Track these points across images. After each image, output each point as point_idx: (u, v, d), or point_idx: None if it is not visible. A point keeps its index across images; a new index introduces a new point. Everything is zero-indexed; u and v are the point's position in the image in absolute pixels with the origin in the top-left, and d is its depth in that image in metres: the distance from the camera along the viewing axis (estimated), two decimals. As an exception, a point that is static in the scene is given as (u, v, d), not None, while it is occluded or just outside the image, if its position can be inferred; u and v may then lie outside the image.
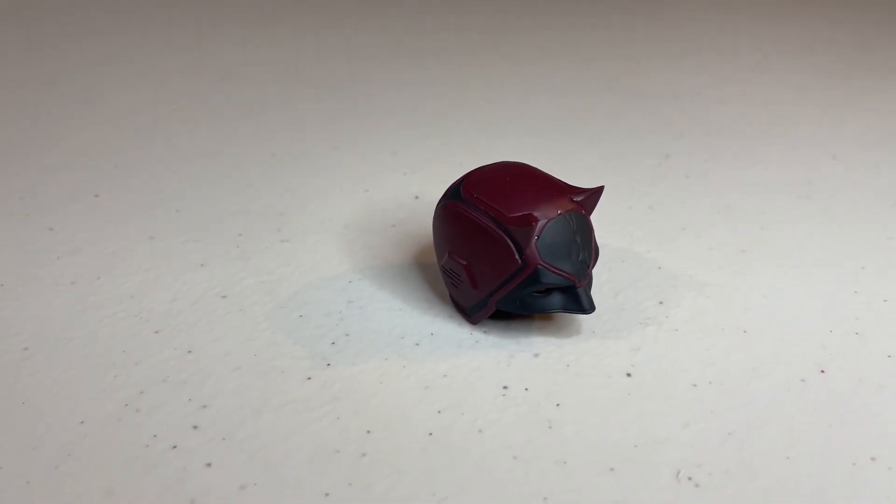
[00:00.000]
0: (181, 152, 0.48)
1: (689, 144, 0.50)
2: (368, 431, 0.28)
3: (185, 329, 0.33)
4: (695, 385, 0.30)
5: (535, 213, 0.30)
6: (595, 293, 0.35)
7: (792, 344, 0.32)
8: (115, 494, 0.25)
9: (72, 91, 0.58)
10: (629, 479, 0.26)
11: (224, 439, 0.27)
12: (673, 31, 0.74)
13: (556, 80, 0.61)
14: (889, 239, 0.40)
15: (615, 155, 0.49)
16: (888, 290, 0.36)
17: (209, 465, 0.26)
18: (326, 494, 0.25)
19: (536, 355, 0.31)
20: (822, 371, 0.31)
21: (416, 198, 0.43)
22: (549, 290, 0.31)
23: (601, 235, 0.40)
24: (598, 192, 0.32)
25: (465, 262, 0.31)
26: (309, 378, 0.30)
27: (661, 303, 0.35)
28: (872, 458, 0.27)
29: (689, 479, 0.26)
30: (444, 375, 0.30)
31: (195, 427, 0.28)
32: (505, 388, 0.30)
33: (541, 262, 0.30)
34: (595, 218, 0.41)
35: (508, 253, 0.30)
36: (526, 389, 0.30)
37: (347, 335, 0.32)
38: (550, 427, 0.28)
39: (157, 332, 0.33)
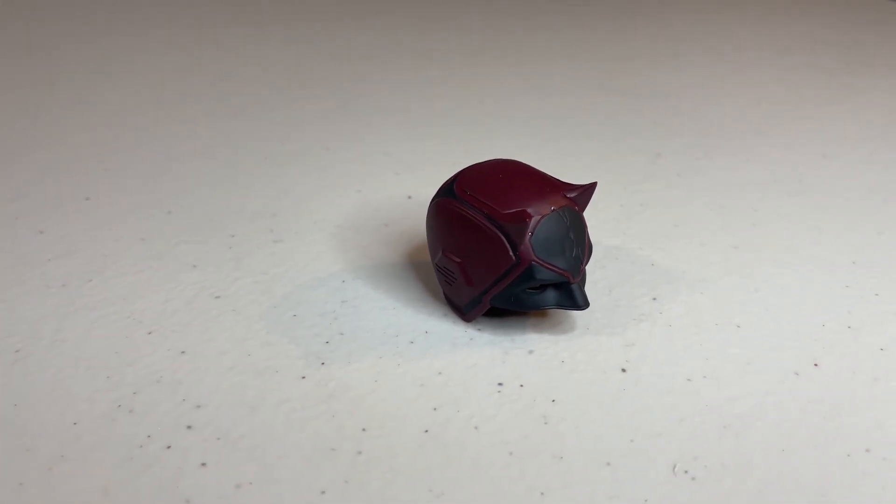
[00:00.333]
0: (173, 154, 0.48)
1: (680, 143, 0.50)
2: (364, 429, 0.28)
3: (179, 330, 0.33)
4: (689, 380, 0.30)
5: (529, 210, 0.30)
6: (589, 290, 0.35)
7: (785, 338, 0.32)
8: (110, 495, 0.25)
9: (62, 94, 0.58)
10: (626, 474, 0.26)
11: (219, 439, 0.27)
12: (664, 33, 0.74)
13: (548, 80, 0.61)
14: (879, 234, 0.40)
15: (607, 154, 0.49)
16: (879, 285, 0.36)
17: (204, 464, 0.26)
18: (322, 492, 0.25)
19: (531, 352, 0.31)
20: (816, 364, 0.31)
21: (409, 197, 0.43)
22: (543, 287, 0.31)
23: (594, 233, 0.40)
24: (591, 188, 0.32)
25: (459, 260, 0.31)
26: (303, 377, 0.30)
27: (654, 299, 0.35)
28: (867, 450, 0.27)
29: (686, 472, 0.26)
30: (439, 373, 0.30)
31: (190, 427, 0.28)
32: (500, 384, 0.30)
33: (535, 259, 0.30)
34: (588, 216, 0.41)
35: (503, 250, 0.30)
36: (521, 386, 0.30)
37: (342, 334, 0.32)
38: (546, 423, 0.28)
39: (150, 333, 0.32)
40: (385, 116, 0.54)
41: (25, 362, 0.31)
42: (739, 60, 0.66)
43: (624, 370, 0.31)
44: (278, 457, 0.27)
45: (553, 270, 0.30)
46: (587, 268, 0.37)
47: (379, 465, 0.26)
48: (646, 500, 0.25)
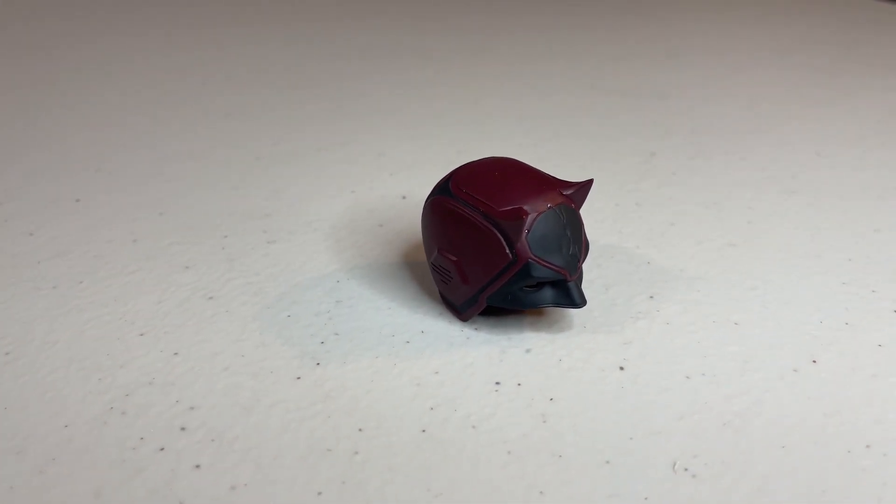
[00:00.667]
0: (163, 155, 0.48)
1: (675, 142, 0.50)
2: (361, 429, 0.27)
3: (172, 331, 0.32)
4: (688, 377, 0.30)
5: (525, 207, 0.30)
6: (586, 289, 0.35)
7: (783, 335, 0.32)
8: (103, 497, 0.25)
9: (52, 95, 0.57)
10: (626, 472, 0.26)
11: (213, 440, 0.27)
12: (659, 33, 0.74)
13: (543, 79, 0.61)
14: (875, 231, 0.40)
15: (602, 153, 0.49)
16: (876, 281, 0.36)
17: (198, 466, 0.26)
18: (319, 493, 0.25)
19: (528, 351, 0.31)
20: (814, 361, 0.31)
21: (404, 198, 0.43)
22: (540, 285, 0.31)
23: (589, 232, 0.40)
24: (587, 185, 0.31)
25: (454, 258, 0.31)
26: (299, 378, 0.30)
27: (651, 297, 0.35)
28: (867, 446, 0.27)
29: (686, 470, 0.26)
30: (436, 372, 0.30)
31: (183, 429, 0.27)
32: (497, 383, 0.30)
33: (531, 256, 0.29)
34: (583, 214, 0.41)
35: (499, 247, 0.30)
36: (519, 385, 0.29)
37: (337, 334, 0.32)
38: (545, 421, 0.28)
39: (142, 335, 0.32)
40: (380, 117, 0.54)
41: (16, 364, 0.30)
42: (734, 60, 0.66)
43: (622, 368, 0.30)
44: (274, 458, 0.26)
45: (550, 268, 0.30)
46: (584, 266, 0.37)
47: (376, 466, 0.26)
48: (646, 498, 0.25)
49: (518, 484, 0.25)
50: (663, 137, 0.51)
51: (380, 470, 0.26)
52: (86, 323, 0.33)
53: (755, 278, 0.36)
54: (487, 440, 0.27)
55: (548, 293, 0.31)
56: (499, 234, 0.30)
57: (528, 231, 0.29)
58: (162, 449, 0.26)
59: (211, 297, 0.34)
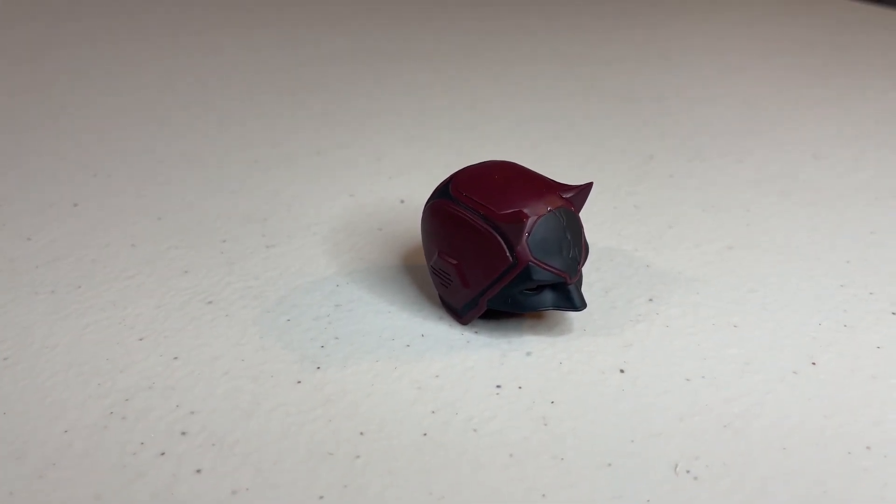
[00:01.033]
0: (161, 159, 0.48)
1: (672, 145, 0.50)
2: (362, 433, 0.27)
3: (171, 335, 0.32)
4: (688, 380, 0.30)
5: (526, 210, 0.30)
6: (585, 291, 0.35)
7: (782, 337, 0.32)
8: (103, 502, 0.25)
9: (49, 99, 0.57)
10: (627, 474, 0.26)
11: (214, 445, 0.27)
12: (655, 35, 0.75)
13: (539, 83, 0.61)
14: (872, 233, 0.40)
15: (599, 156, 0.49)
16: (874, 283, 0.36)
17: (199, 471, 0.26)
18: (321, 497, 0.25)
19: (529, 354, 0.31)
20: (814, 363, 0.31)
21: (402, 201, 0.43)
22: (540, 288, 0.31)
23: (588, 235, 0.40)
24: (587, 188, 0.31)
25: (455, 262, 0.31)
26: (299, 381, 0.30)
27: (651, 300, 0.35)
28: (868, 447, 0.27)
29: (688, 471, 0.26)
30: (437, 376, 0.30)
31: (184, 433, 0.27)
32: (498, 386, 0.30)
33: (532, 259, 0.29)
34: (582, 218, 0.41)
35: (499, 250, 0.30)
36: (519, 388, 0.29)
37: (337, 338, 0.32)
38: (546, 424, 0.28)
39: (141, 339, 0.32)
40: (378, 120, 0.54)
41: (14, 369, 0.30)
42: (730, 63, 0.67)
43: (622, 371, 0.30)
44: (275, 462, 0.26)
45: (550, 271, 0.30)
46: (584, 269, 0.37)
47: (377, 469, 0.26)
48: (647, 501, 0.25)
49: (519, 487, 0.25)
50: (661, 140, 0.51)
51: (381, 473, 0.26)
52: (85, 327, 0.33)
53: (754, 280, 0.36)
54: (488, 443, 0.27)
55: (548, 296, 0.31)
56: (499, 238, 0.30)
57: (529, 234, 0.29)
58: (162, 453, 0.26)
59: (210, 302, 0.34)
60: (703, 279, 0.36)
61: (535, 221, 0.30)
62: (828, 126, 0.54)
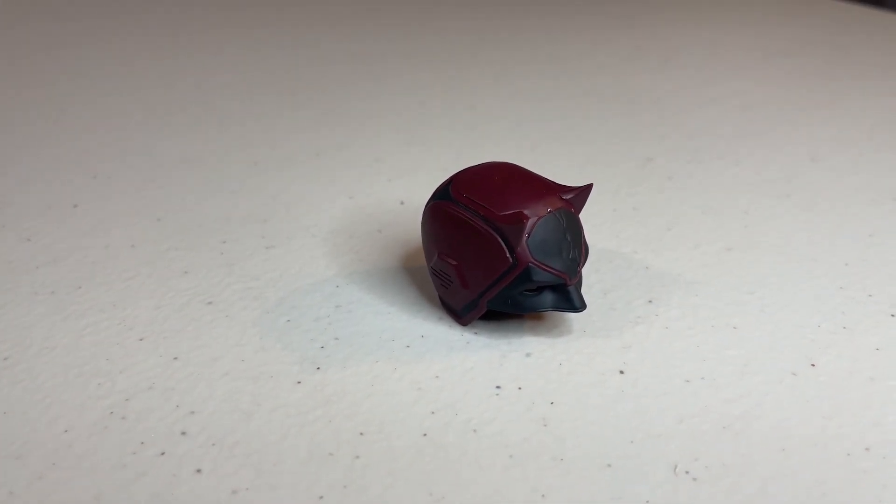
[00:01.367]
0: (160, 161, 0.48)
1: (670, 147, 0.51)
2: (362, 433, 0.27)
3: (171, 336, 0.32)
4: (688, 381, 0.30)
5: (526, 212, 0.30)
6: (585, 293, 0.35)
7: (781, 339, 0.32)
8: (103, 502, 0.25)
9: (48, 100, 0.57)
10: (627, 474, 0.26)
11: (214, 445, 0.27)
12: (653, 38, 0.75)
13: (539, 84, 0.62)
14: (870, 235, 0.40)
15: (598, 159, 0.49)
16: (873, 286, 0.36)
17: (199, 471, 0.26)
18: (321, 497, 0.25)
19: (528, 355, 0.31)
20: (813, 365, 0.31)
21: (402, 203, 0.43)
22: (540, 289, 0.31)
23: (588, 237, 0.40)
24: (586, 189, 0.32)
25: (455, 263, 0.31)
26: (299, 382, 0.30)
27: (650, 301, 0.35)
28: (867, 449, 0.27)
29: (687, 472, 0.26)
30: (437, 377, 0.30)
31: (184, 433, 0.27)
32: (498, 387, 0.30)
33: (532, 260, 0.29)
34: (581, 219, 0.41)
35: (499, 251, 0.30)
36: (519, 389, 0.30)
37: (337, 339, 0.32)
38: (545, 425, 0.28)
39: (141, 340, 0.32)
40: (377, 122, 0.54)
41: (14, 370, 0.30)
42: (728, 65, 0.67)
43: (622, 372, 0.30)
44: (275, 462, 0.26)
45: (550, 272, 0.30)
46: (583, 270, 0.37)
47: (378, 470, 0.26)
48: (647, 501, 0.25)
49: (519, 487, 0.25)
50: (660, 142, 0.51)
51: (381, 474, 0.26)
52: (84, 328, 0.33)
53: (753, 282, 0.36)
54: (488, 444, 0.27)
55: (548, 297, 0.31)
56: (499, 239, 0.30)
57: (529, 235, 0.29)
58: (162, 453, 0.26)
59: (210, 302, 0.34)
60: (702, 281, 0.36)
61: (535, 223, 0.30)
62: (826, 128, 0.54)
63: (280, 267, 0.37)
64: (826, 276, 0.37)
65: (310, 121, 0.54)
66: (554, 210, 0.30)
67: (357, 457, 0.26)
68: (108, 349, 0.31)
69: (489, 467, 0.26)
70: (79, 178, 0.45)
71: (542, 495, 0.25)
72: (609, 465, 0.26)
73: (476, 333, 0.32)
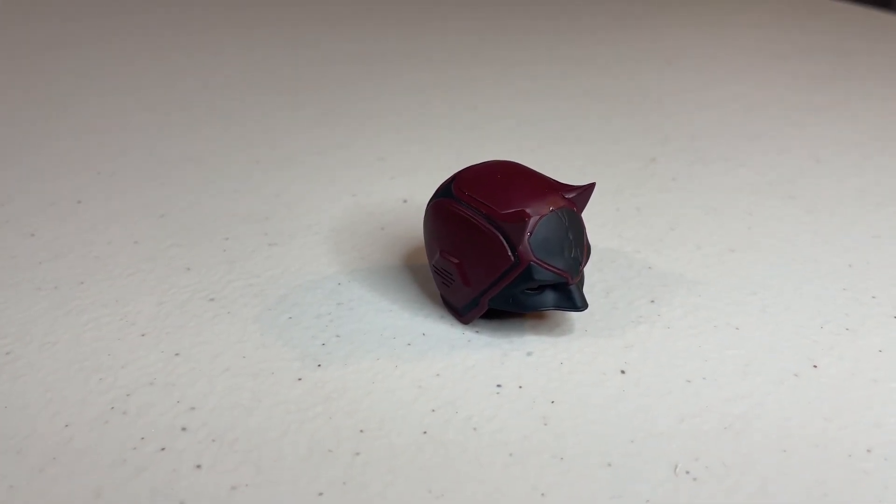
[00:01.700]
0: (164, 159, 0.48)
1: (674, 148, 0.50)
2: (362, 430, 0.27)
3: (173, 332, 0.32)
4: (689, 381, 0.30)
5: (528, 210, 0.30)
6: (587, 293, 0.35)
7: (784, 339, 0.32)
8: (103, 497, 0.25)
9: (52, 99, 0.57)
10: (627, 474, 0.26)
11: (214, 441, 0.27)
12: (657, 39, 0.75)
13: (542, 84, 0.62)
14: (874, 237, 0.40)
15: (601, 159, 0.49)
16: (876, 287, 0.36)
17: (199, 466, 0.26)
18: (320, 494, 0.25)
19: (529, 354, 0.31)
20: (815, 366, 0.31)
21: (405, 201, 0.43)
22: (541, 288, 0.31)
23: (590, 237, 0.40)
24: (589, 189, 0.32)
25: (456, 261, 0.31)
26: (300, 379, 0.30)
27: (652, 301, 0.35)
28: (868, 450, 0.27)
29: (687, 472, 0.26)
30: (437, 375, 0.30)
31: (184, 429, 0.27)
32: (499, 386, 0.30)
33: (533, 259, 0.29)
34: (584, 218, 0.41)
35: (501, 250, 0.30)
36: (520, 387, 0.29)
37: (338, 336, 0.32)
38: (546, 424, 0.28)
39: (143, 335, 0.32)
40: (380, 121, 0.54)
41: (16, 364, 0.30)
42: (732, 66, 0.67)
43: (623, 371, 0.30)
44: (275, 459, 0.26)
45: (552, 271, 0.30)
46: (585, 270, 0.37)
47: (377, 467, 0.26)
48: (647, 501, 0.25)
49: (519, 486, 0.25)
50: (663, 143, 0.51)
51: (381, 471, 0.26)
52: (86, 323, 0.33)
53: (755, 283, 0.36)
54: (489, 442, 0.27)
55: (549, 296, 0.31)
56: (501, 237, 0.30)
57: (531, 234, 0.29)
58: (163, 449, 0.26)
59: (212, 299, 0.34)
60: (704, 281, 0.36)
61: (538, 221, 0.30)
62: (831, 130, 0.54)
63: (282, 264, 0.37)
64: (829, 277, 0.37)
65: (312, 120, 0.54)
66: (556, 209, 0.30)
67: (357, 454, 0.26)
68: (109, 344, 0.31)
69: (489, 465, 0.26)
70: (82, 175, 0.45)
71: (542, 494, 0.25)
72: (609, 464, 0.26)
73: (477, 332, 0.32)
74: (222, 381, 0.29)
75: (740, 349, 0.32)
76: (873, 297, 0.35)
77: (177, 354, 0.31)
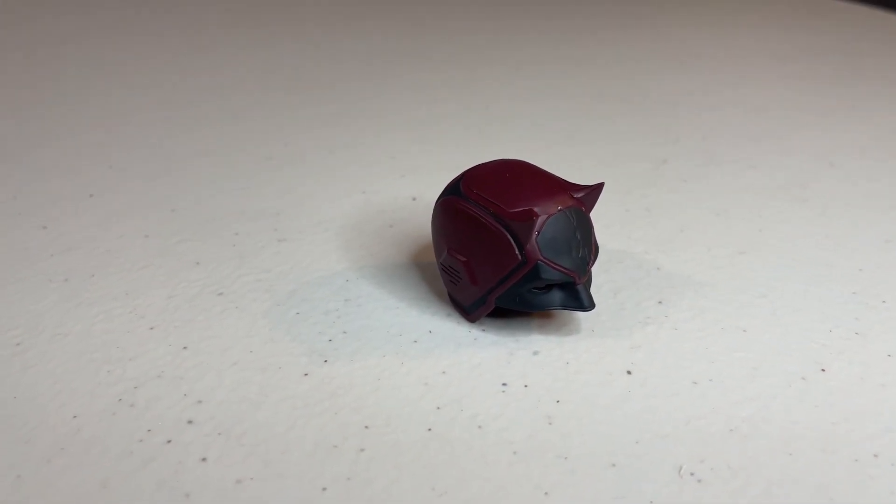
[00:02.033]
0: (177, 154, 0.48)
1: (685, 149, 0.50)
2: (367, 427, 0.27)
3: (181, 325, 0.32)
4: (695, 383, 0.30)
5: (536, 209, 0.30)
6: (595, 293, 0.35)
7: (792, 343, 0.32)
8: (109, 488, 0.25)
9: (67, 93, 0.58)
10: (631, 474, 0.26)
11: (220, 434, 0.27)
12: (670, 39, 0.74)
13: (554, 85, 0.61)
14: (887, 242, 0.40)
15: (612, 160, 0.49)
16: (887, 292, 0.36)
17: (204, 459, 0.26)
18: (324, 489, 0.25)
19: (536, 353, 0.31)
20: (823, 370, 0.31)
21: (414, 199, 0.43)
22: (548, 287, 0.31)
23: (600, 237, 0.40)
24: (598, 188, 0.31)
25: (464, 259, 0.31)
26: (306, 374, 0.30)
27: (660, 302, 0.35)
28: (875, 455, 0.27)
29: (692, 474, 0.26)
30: (443, 372, 0.30)
31: (190, 422, 0.27)
32: (504, 384, 0.30)
33: (541, 258, 0.29)
34: (593, 219, 0.41)
35: (508, 248, 0.30)
36: (526, 386, 0.29)
37: (345, 333, 0.32)
38: (551, 423, 0.28)
39: (152, 329, 0.32)
40: (391, 120, 0.54)
41: (26, 355, 0.30)
42: (746, 68, 0.66)
43: (629, 372, 0.30)
44: (280, 453, 0.26)
45: (559, 270, 0.30)
46: (593, 270, 0.37)
47: (382, 463, 0.26)
48: (651, 502, 0.25)
49: (523, 484, 0.25)
50: (674, 144, 0.51)
51: (385, 468, 0.26)
52: (96, 316, 0.33)
53: (764, 286, 0.36)
54: (493, 440, 0.27)
55: (556, 295, 0.31)
56: (508, 236, 0.30)
57: (538, 233, 0.29)
58: (169, 441, 0.27)
59: (221, 294, 0.34)
60: (713, 283, 0.36)
61: (545, 220, 0.30)
62: (843, 132, 0.53)
63: (291, 260, 0.37)
64: (839, 281, 0.36)
65: (325, 118, 0.54)
66: (564, 208, 0.30)
67: (362, 450, 0.26)
68: (118, 337, 0.32)
69: (493, 463, 0.26)
70: (95, 169, 0.46)
71: (546, 493, 0.25)
72: (614, 465, 0.26)
73: (484, 330, 0.32)
74: (230, 375, 0.30)
75: (748, 352, 0.32)
76: (883, 302, 0.35)
77: (185, 348, 0.31)
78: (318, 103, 0.57)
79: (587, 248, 0.31)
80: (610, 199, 0.44)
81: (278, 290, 0.35)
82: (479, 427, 0.28)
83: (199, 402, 0.28)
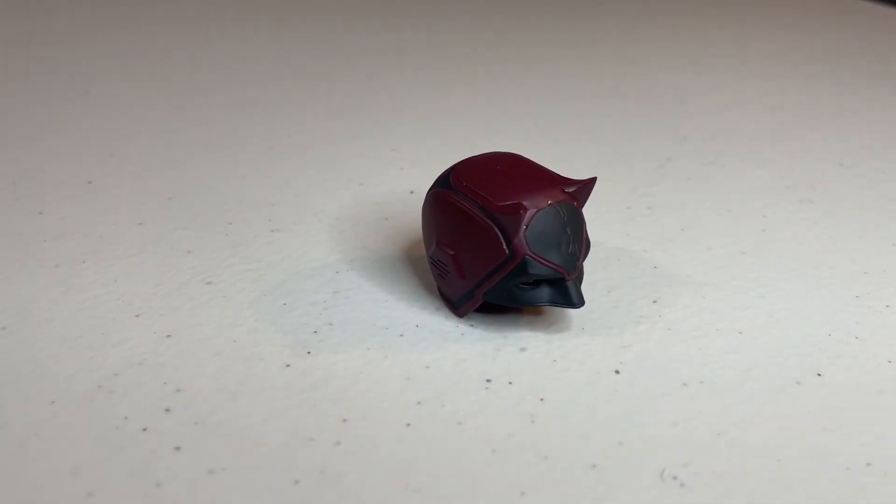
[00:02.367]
0: (177, 143, 0.48)
1: (692, 148, 0.49)
2: (345, 420, 0.27)
3: (167, 313, 0.32)
4: (685, 384, 0.29)
5: (525, 203, 0.29)
6: (588, 290, 0.34)
7: (789, 346, 0.31)
8: (80, 474, 0.25)
9: (70, 82, 0.58)
10: (612, 476, 0.25)
11: (196, 423, 0.27)
12: (678, 38, 0.73)
13: (559, 82, 0.61)
14: (894, 245, 0.39)
15: (616, 157, 0.48)
16: (891, 296, 0.35)
17: (178, 448, 0.26)
18: (297, 482, 0.25)
19: (523, 349, 0.31)
20: (819, 374, 0.30)
21: (412, 192, 0.43)
22: (537, 283, 0.30)
23: (598, 235, 0.39)
24: (590, 183, 0.31)
25: (452, 252, 0.31)
26: (288, 365, 0.29)
27: (655, 301, 0.34)
28: (868, 464, 0.26)
29: (675, 478, 0.25)
30: (427, 367, 0.30)
31: (168, 410, 0.27)
32: (488, 381, 0.29)
33: (529, 253, 0.29)
34: (592, 217, 0.40)
35: (496, 242, 0.29)
36: (510, 383, 0.29)
37: (331, 324, 0.32)
38: (533, 421, 0.27)
39: (137, 316, 0.32)
40: (393, 114, 0.54)
41: (10, 339, 0.30)
42: (755, 68, 0.65)
43: (618, 372, 0.30)
44: (255, 444, 0.26)
45: (547, 265, 0.29)
46: (587, 267, 0.36)
47: (357, 457, 0.26)
48: (631, 505, 0.24)
49: (500, 483, 0.25)
50: (681, 143, 0.50)
51: (360, 462, 0.25)
52: (83, 302, 0.33)
53: (764, 287, 0.35)
54: (472, 437, 0.26)
55: (545, 291, 0.30)
56: (496, 229, 0.29)
57: (526, 227, 0.29)
58: (145, 429, 0.26)
59: (209, 282, 0.34)
60: (711, 283, 0.35)
61: (534, 214, 0.29)
62: (855, 134, 0.52)
63: (283, 251, 0.37)
64: (842, 284, 0.35)
65: (328, 110, 0.54)
66: (555, 202, 0.29)
67: (338, 443, 0.26)
68: (103, 323, 0.31)
69: (471, 461, 0.25)
70: (95, 157, 0.46)
71: (522, 493, 0.24)
72: (594, 466, 0.25)
73: (472, 325, 0.32)
74: (211, 365, 0.29)
75: (742, 354, 0.31)
76: (887, 306, 0.34)
77: (168, 336, 0.31)
78: (325, 96, 0.57)
79: (577, 244, 0.30)
80: (612, 196, 0.43)
81: (267, 280, 0.34)
82: (459, 423, 0.27)
83: (178, 390, 0.28)
